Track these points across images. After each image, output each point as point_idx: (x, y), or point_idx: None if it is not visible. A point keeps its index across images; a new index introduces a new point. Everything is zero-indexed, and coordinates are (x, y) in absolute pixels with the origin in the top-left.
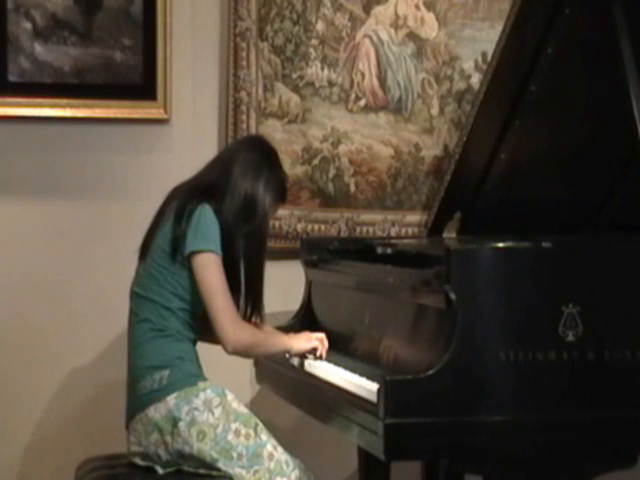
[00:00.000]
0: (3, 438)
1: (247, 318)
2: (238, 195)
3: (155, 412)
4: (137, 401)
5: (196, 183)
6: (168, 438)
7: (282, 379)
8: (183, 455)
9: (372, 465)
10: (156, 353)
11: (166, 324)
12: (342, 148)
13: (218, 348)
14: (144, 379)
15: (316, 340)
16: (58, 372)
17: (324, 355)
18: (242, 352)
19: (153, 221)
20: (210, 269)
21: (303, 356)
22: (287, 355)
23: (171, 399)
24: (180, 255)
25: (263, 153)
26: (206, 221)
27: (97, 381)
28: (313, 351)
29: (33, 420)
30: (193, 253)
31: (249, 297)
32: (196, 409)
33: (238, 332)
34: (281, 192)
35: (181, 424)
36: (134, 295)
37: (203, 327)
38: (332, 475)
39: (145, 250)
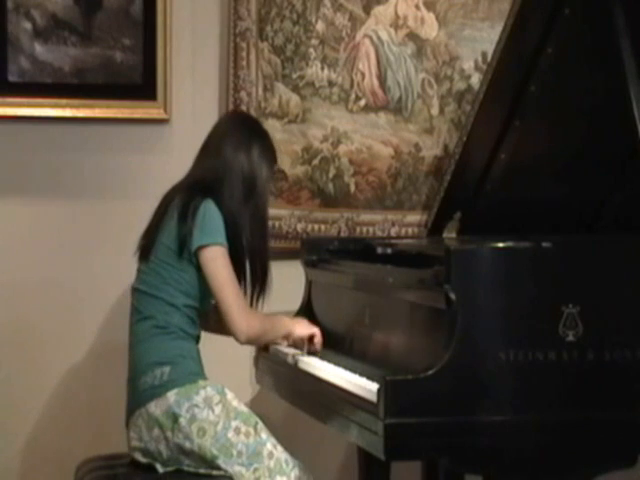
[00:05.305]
0: (3, 438)
1: (253, 302)
2: (236, 175)
3: (155, 408)
4: (138, 397)
5: (194, 179)
6: (169, 434)
7: (282, 379)
8: (184, 451)
9: (372, 465)
10: (158, 350)
11: (169, 321)
12: (342, 148)
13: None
14: (145, 375)
15: (315, 327)
16: (58, 372)
17: (319, 346)
18: (254, 341)
19: (152, 221)
20: (218, 261)
21: (299, 347)
22: (286, 342)
23: (171, 395)
24: (187, 251)
25: (247, 127)
26: (211, 215)
27: (97, 381)
28: (311, 339)
29: (33, 420)
30: (201, 247)
31: (256, 281)
32: (196, 406)
33: (250, 322)
34: (273, 157)
35: (181, 420)
36: (136, 292)
37: (211, 319)
38: (332, 475)
39: (147, 250)
